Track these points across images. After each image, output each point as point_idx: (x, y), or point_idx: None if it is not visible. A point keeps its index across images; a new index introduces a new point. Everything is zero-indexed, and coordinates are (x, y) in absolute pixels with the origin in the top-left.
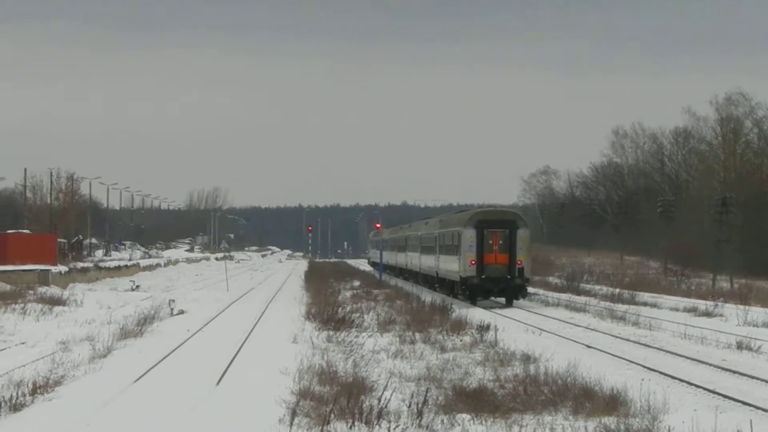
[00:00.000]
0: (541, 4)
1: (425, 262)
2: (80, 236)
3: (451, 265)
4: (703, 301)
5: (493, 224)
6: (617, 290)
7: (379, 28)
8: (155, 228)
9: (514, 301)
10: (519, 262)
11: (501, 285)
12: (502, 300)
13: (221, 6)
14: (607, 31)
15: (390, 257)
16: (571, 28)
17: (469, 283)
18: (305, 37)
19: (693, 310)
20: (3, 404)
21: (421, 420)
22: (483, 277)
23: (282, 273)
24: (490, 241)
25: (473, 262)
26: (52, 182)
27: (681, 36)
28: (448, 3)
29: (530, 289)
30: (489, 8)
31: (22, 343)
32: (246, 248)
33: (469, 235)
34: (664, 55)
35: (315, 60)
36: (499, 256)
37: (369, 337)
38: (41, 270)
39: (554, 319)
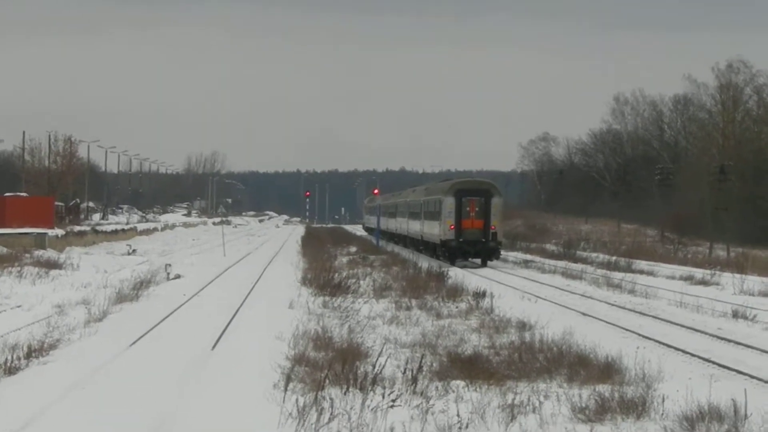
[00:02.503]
0: None
1: (412, 227)
2: (77, 200)
3: (433, 230)
4: (699, 270)
5: (471, 193)
6: (614, 258)
7: (383, 3)
8: (153, 192)
9: (488, 261)
10: (493, 227)
11: (477, 247)
12: (478, 261)
13: None
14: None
15: (383, 223)
16: (571, 5)
17: (449, 246)
18: (306, 7)
19: (689, 279)
20: None
21: (415, 386)
22: (461, 240)
23: (279, 238)
24: (468, 208)
25: (452, 227)
26: (50, 145)
27: (683, 11)
28: None
29: (511, 252)
30: None
31: (18, 307)
32: (243, 213)
33: (449, 203)
34: (666, 29)
35: (315, 29)
36: (476, 221)
37: (365, 303)
38: (38, 233)
39: (550, 286)
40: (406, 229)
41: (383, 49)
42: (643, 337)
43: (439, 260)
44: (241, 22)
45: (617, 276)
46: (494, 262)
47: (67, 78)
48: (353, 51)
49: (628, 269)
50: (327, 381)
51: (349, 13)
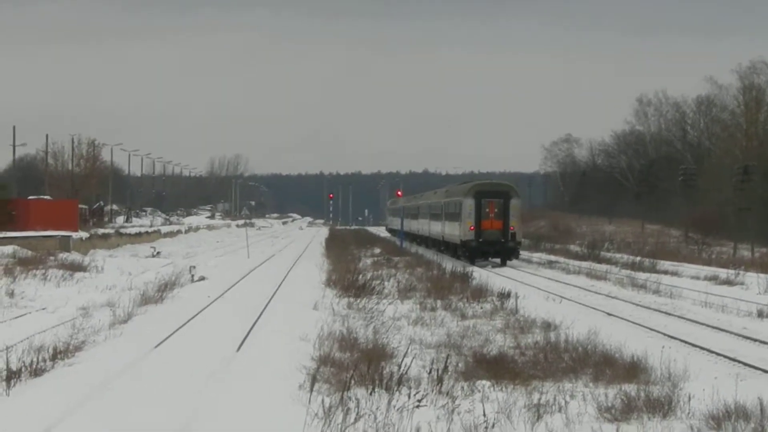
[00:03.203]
0: None
1: (433, 228)
2: (101, 202)
3: (453, 230)
4: (724, 270)
5: (490, 194)
6: (638, 258)
7: (408, 6)
8: (176, 195)
9: (508, 261)
10: (512, 228)
11: (496, 247)
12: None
13: None
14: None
15: (405, 224)
16: (596, 7)
17: (469, 246)
18: (329, 11)
19: (714, 279)
20: (24, 369)
21: (441, 386)
22: (480, 240)
23: (303, 240)
24: (487, 210)
25: (472, 228)
26: (73, 149)
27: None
28: None
29: (535, 253)
30: None
31: (43, 309)
32: (267, 215)
33: (469, 204)
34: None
35: (338, 33)
36: (495, 222)
37: (389, 304)
38: (62, 236)
39: (575, 286)
40: (428, 230)
41: (410, 52)
42: (669, 336)
43: (460, 260)
44: (265, 27)
45: (642, 276)
46: (519, 263)
47: (91, 82)
48: (377, 54)
49: (653, 270)
50: (352, 381)
51: (372, 16)
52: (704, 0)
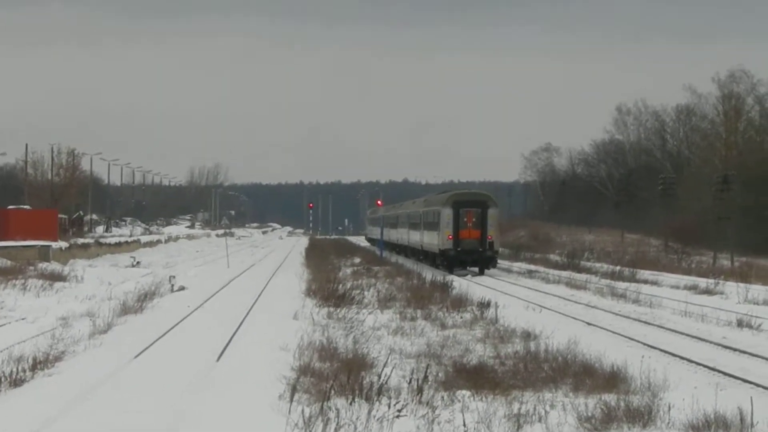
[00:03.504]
0: None
1: (412, 237)
2: (81, 212)
3: (432, 239)
4: (703, 279)
5: (468, 204)
6: (618, 268)
7: (383, 15)
8: (156, 204)
9: (485, 270)
10: (489, 237)
11: (474, 256)
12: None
13: None
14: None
15: (385, 234)
16: (573, 14)
17: (447, 255)
18: (305, 20)
19: (693, 288)
20: (3, 379)
21: (421, 396)
22: (459, 249)
23: (282, 249)
24: (465, 219)
25: (450, 237)
26: (53, 158)
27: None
28: None
29: (515, 263)
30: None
31: (23, 319)
32: (247, 225)
33: (447, 214)
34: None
35: (316, 42)
36: (473, 231)
37: (369, 313)
38: (42, 246)
39: (555, 296)
40: (407, 239)
41: (385, 59)
42: (648, 346)
43: (439, 269)
44: (243, 35)
45: (621, 286)
46: (498, 272)
47: (70, 91)
48: (355, 62)
49: (632, 279)
50: (332, 391)
51: (351, 25)
52: (683, 8)
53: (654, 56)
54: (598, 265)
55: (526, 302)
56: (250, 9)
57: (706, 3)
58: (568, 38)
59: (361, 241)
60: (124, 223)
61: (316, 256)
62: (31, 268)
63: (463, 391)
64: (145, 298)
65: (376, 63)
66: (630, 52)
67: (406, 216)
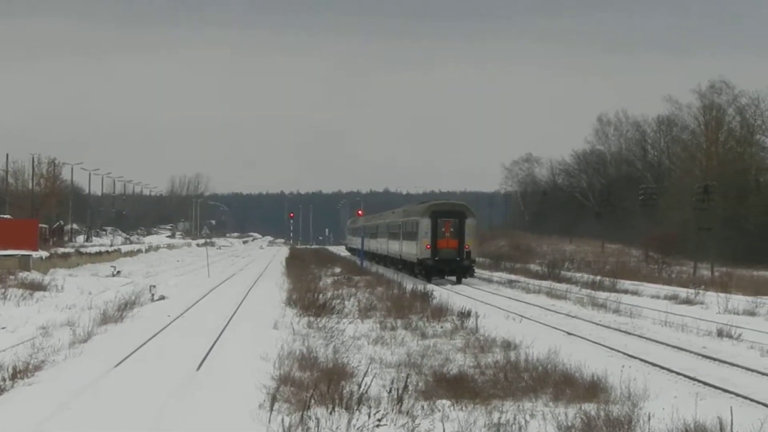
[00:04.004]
0: (520, 8)
1: (392, 246)
2: (61, 222)
3: (411, 249)
4: (683, 289)
5: (446, 214)
6: (598, 278)
7: (364, 25)
8: (137, 214)
9: (463, 279)
10: (467, 246)
11: (452, 265)
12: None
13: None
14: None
15: (365, 243)
16: (554, 27)
17: (425, 264)
18: (286, 30)
19: (674, 298)
20: None
21: (401, 406)
22: (437, 258)
23: (263, 259)
24: (443, 229)
25: (428, 246)
26: (33, 168)
27: (666, 33)
28: (432, 6)
29: (495, 273)
30: (468, 10)
31: (2, 328)
32: (227, 234)
33: (426, 224)
34: (647, 51)
35: (299, 53)
36: (450, 241)
37: (350, 323)
38: (22, 255)
39: (535, 306)
40: (387, 249)
41: (365, 70)
42: (629, 356)
43: (417, 278)
44: (226, 46)
45: (602, 296)
46: (479, 282)
47: (51, 100)
48: (336, 73)
49: (613, 289)
50: (312, 401)
51: (333, 35)
52: (665, 20)
53: (635, 67)
54: (578, 275)
55: (507, 312)
56: (234, 20)
57: (688, 15)
58: (549, 50)
59: (341, 251)
60: (104, 232)
61: (296, 265)
62: (12, 277)
63: (443, 401)
64: (126, 307)
65: (355, 76)
66: (611, 63)
67: (386, 226)
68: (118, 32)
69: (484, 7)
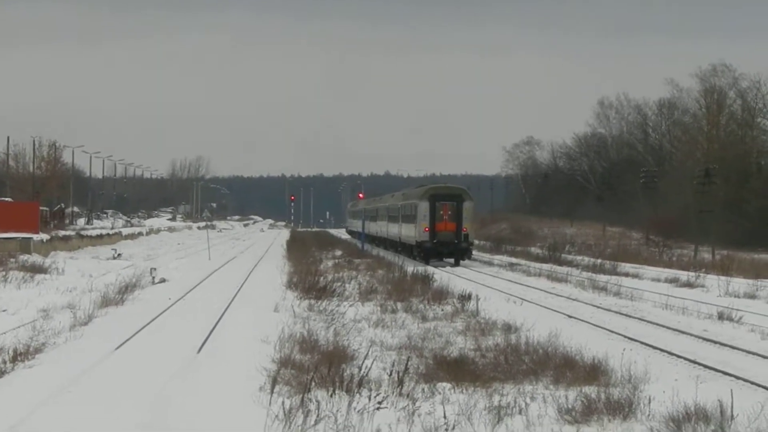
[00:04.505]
0: None
1: (391, 229)
2: (62, 204)
3: (410, 232)
4: (684, 272)
5: (444, 198)
6: (599, 261)
7: (365, 10)
8: (137, 197)
9: (461, 261)
10: (465, 229)
11: (450, 248)
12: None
13: None
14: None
15: (366, 226)
16: (555, 10)
17: (424, 247)
18: (287, 16)
19: (674, 281)
20: None
21: (401, 388)
22: (435, 241)
23: (264, 242)
24: (441, 212)
25: (426, 229)
26: (34, 151)
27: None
28: None
29: (496, 256)
30: None
31: (3, 311)
32: (228, 217)
33: (424, 207)
34: (645, 35)
35: (299, 38)
36: (449, 224)
37: (350, 306)
38: (23, 238)
39: (536, 289)
40: (386, 231)
41: (367, 54)
42: (629, 339)
43: (416, 260)
44: (225, 29)
45: (602, 279)
46: (480, 265)
47: (52, 83)
48: (337, 56)
49: (614, 272)
50: (313, 383)
51: (334, 19)
52: (666, 3)
53: (636, 50)
54: (579, 258)
55: (507, 295)
56: (235, 4)
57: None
58: (550, 33)
59: (342, 233)
60: (105, 215)
61: (297, 248)
62: (12, 260)
63: (444, 384)
64: (126, 290)
65: (356, 59)
66: (612, 46)
67: (386, 209)
68: (118, 16)
69: None
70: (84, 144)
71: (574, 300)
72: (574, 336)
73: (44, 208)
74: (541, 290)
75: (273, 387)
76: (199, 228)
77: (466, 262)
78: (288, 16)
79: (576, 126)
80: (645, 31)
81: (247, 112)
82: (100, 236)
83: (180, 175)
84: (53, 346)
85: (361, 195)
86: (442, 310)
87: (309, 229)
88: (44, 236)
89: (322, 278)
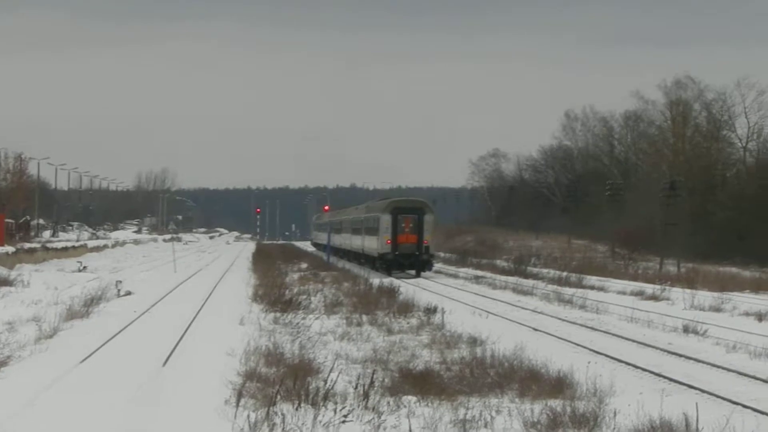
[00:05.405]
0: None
1: (354, 241)
2: (28, 217)
3: (372, 244)
4: (650, 285)
5: (405, 211)
6: (565, 273)
7: (329, 18)
8: (103, 209)
9: (422, 273)
10: (425, 242)
11: (411, 260)
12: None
13: None
14: (558, 24)
15: (331, 238)
16: (521, 21)
17: (386, 258)
18: (252, 24)
19: (640, 294)
20: None
21: (367, 402)
22: (396, 253)
23: (230, 255)
24: (403, 225)
25: (389, 241)
26: (0, 163)
27: (631, 29)
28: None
29: (462, 268)
30: (438, 5)
31: None
32: (194, 230)
33: (386, 220)
34: (614, 46)
35: (263, 46)
36: (410, 236)
37: (316, 319)
38: None
39: (501, 302)
40: (350, 244)
41: (331, 66)
42: (595, 352)
43: (378, 271)
44: (192, 41)
45: (568, 291)
46: (446, 278)
47: (17, 94)
48: (301, 69)
49: (579, 285)
50: (278, 397)
51: (298, 31)
52: (632, 15)
53: (602, 62)
54: (545, 270)
55: (473, 308)
56: (204, 15)
57: (656, 10)
58: (516, 44)
59: (308, 246)
60: (71, 227)
61: (262, 261)
62: None
63: (409, 397)
64: (92, 302)
65: (323, 71)
66: (578, 57)
67: (349, 222)
68: (81, 28)
69: (453, 2)
70: (49, 156)
71: (539, 313)
72: (539, 349)
73: (9, 221)
74: (507, 303)
75: (238, 400)
76: (164, 240)
77: (432, 274)
78: (241, 26)
79: (542, 138)
80: (611, 43)
81: (213, 124)
82: (66, 249)
83: (146, 187)
84: (18, 360)
85: (326, 208)
86: (408, 323)
87: (275, 242)
88: (9, 248)
89: (287, 291)
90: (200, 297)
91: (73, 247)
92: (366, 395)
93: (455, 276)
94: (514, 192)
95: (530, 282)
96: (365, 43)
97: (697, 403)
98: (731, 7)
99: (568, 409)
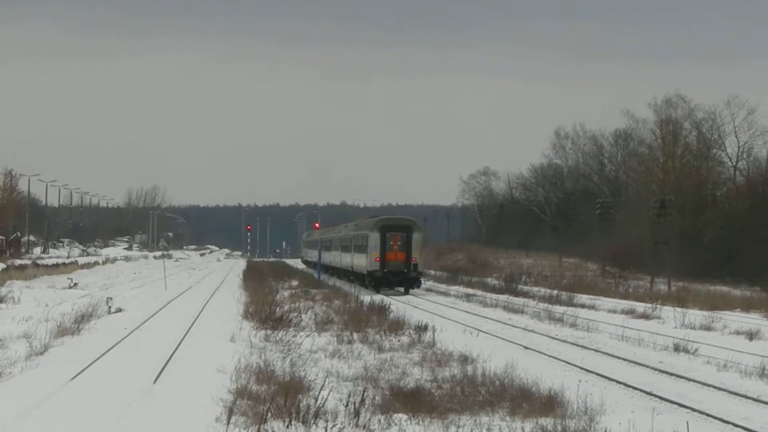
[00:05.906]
0: (481, 16)
1: (344, 259)
2: (18, 233)
3: (361, 261)
4: (640, 304)
5: (394, 229)
6: (555, 292)
7: (318, 35)
8: (94, 226)
9: (410, 290)
10: (414, 259)
11: (399, 277)
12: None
13: (172, 6)
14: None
15: (321, 255)
16: (512, 38)
17: (374, 276)
18: (244, 40)
19: (631, 312)
20: None
21: (358, 420)
22: (385, 270)
23: (220, 272)
24: (391, 242)
25: (377, 259)
26: None
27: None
28: (386, 15)
29: (452, 286)
30: (427, 21)
31: None
32: (185, 247)
33: (375, 237)
34: (604, 61)
35: (253, 64)
36: (398, 254)
37: (307, 336)
38: None
39: (492, 320)
40: (340, 261)
41: (326, 81)
42: (585, 370)
43: (367, 288)
44: (182, 57)
45: (559, 310)
46: (437, 296)
47: (7, 110)
48: (294, 85)
49: (570, 303)
50: (269, 414)
51: (289, 46)
52: (622, 33)
53: (593, 81)
54: (535, 289)
55: (464, 326)
56: (189, 30)
57: (646, 28)
58: (507, 62)
59: (298, 263)
60: (61, 244)
61: (253, 278)
62: None
63: (400, 415)
64: (82, 319)
65: (311, 87)
66: (569, 76)
67: (339, 239)
68: (74, 42)
69: (442, 18)
70: (40, 172)
71: (530, 331)
72: (530, 367)
73: (0, 237)
74: (498, 321)
75: (229, 418)
76: (155, 257)
77: (423, 292)
78: (236, 44)
79: (532, 157)
80: (601, 62)
81: (204, 140)
82: (56, 265)
83: (136, 204)
84: (9, 376)
85: (317, 225)
86: (399, 340)
87: (265, 259)
88: (0, 265)
89: (278, 308)
90: (191, 314)
91: (64, 263)
92: (357, 413)
93: (446, 294)
94: (505, 210)
95: (521, 300)
96: (357, 60)
97: (688, 422)
98: (722, 22)
99: (559, 428)
